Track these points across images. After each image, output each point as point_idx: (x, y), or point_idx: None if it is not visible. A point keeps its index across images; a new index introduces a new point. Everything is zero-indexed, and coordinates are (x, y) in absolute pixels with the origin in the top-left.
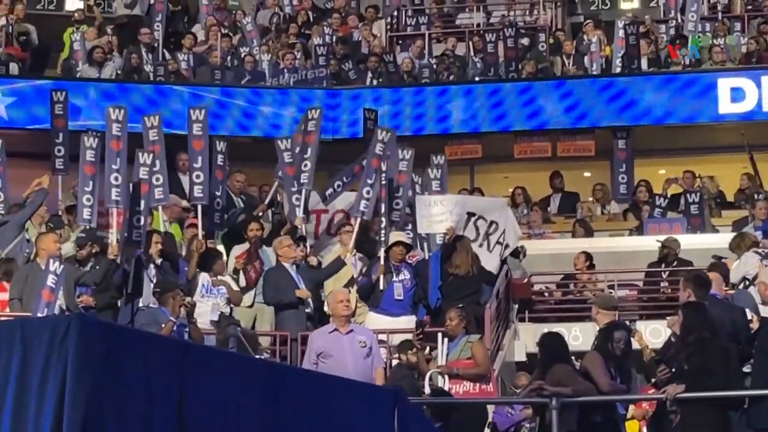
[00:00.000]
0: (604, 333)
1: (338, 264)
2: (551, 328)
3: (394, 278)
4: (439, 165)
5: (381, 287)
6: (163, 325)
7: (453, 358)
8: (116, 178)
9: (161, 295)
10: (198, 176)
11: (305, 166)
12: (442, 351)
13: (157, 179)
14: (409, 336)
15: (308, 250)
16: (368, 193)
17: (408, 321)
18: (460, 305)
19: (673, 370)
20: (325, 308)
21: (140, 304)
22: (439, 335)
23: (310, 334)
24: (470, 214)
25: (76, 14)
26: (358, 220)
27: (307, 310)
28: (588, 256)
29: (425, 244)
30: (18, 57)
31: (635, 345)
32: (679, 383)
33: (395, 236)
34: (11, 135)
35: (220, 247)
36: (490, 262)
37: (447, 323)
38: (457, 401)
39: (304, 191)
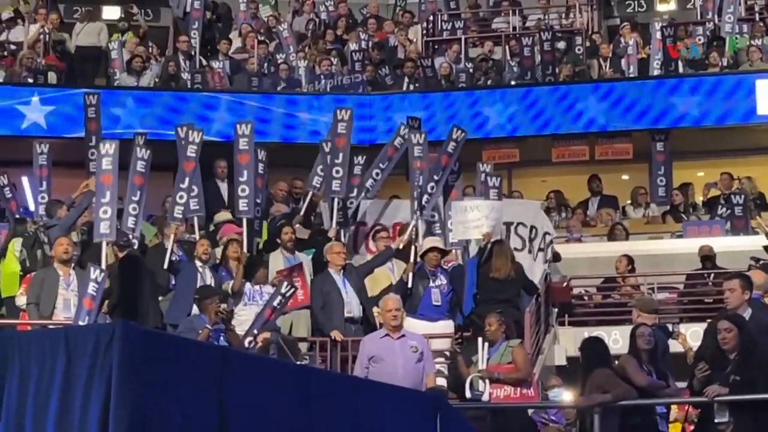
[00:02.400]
0: (631, 335)
1: (389, 252)
2: (591, 332)
3: (431, 284)
4: (488, 172)
5: (410, 285)
6: (200, 332)
7: (494, 362)
8: (181, 197)
9: (200, 302)
10: (243, 190)
11: (337, 172)
12: (482, 356)
13: (192, 190)
14: (447, 341)
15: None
16: (432, 188)
17: (446, 326)
18: (499, 310)
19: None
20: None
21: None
22: (479, 340)
23: (362, 339)
24: (507, 224)
25: (120, 24)
26: (413, 224)
27: (350, 314)
28: (630, 260)
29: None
30: (56, 66)
31: (679, 348)
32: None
33: (430, 241)
34: (50, 143)
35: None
36: (534, 270)
37: (486, 328)
38: (499, 405)
39: (336, 199)
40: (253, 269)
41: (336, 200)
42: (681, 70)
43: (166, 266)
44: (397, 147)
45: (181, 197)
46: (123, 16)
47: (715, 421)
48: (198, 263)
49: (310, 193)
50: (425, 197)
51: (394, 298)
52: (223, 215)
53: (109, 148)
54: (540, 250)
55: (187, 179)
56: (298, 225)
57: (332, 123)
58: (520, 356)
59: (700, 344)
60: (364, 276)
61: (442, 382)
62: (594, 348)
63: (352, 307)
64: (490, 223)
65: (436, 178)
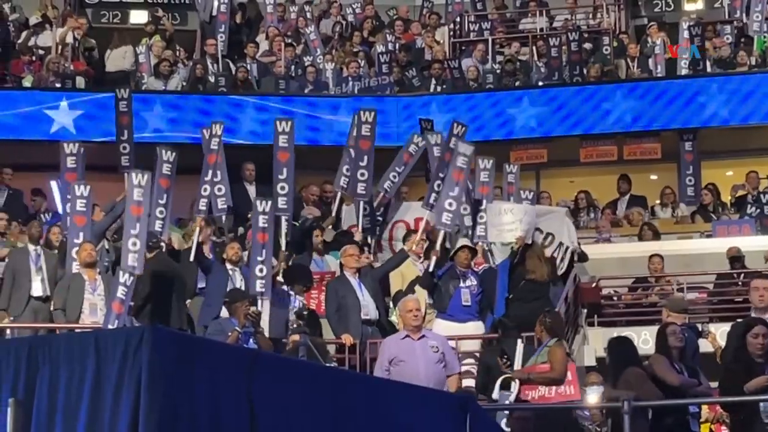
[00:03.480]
0: (659, 334)
1: (402, 255)
2: (620, 332)
3: (461, 284)
4: (512, 172)
5: (431, 270)
6: (230, 334)
7: (531, 363)
8: (205, 189)
9: (230, 305)
10: (283, 188)
11: (362, 175)
12: (519, 357)
13: (219, 189)
14: (476, 342)
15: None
16: (450, 205)
17: (475, 327)
18: (547, 309)
19: None
20: (393, 317)
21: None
22: (518, 341)
23: (381, 342)
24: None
25: (147, 27)
26: (422, 225)
27: (367, 317)
28: (662, 259)
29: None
30: (84, 71)
31: (709, 347)
32: None
33: (460, 241)
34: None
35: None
36: None
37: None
38: (521, 407)
39: (362, 203)
40: (295, 276)
41: (362, 204)
42: (709, 69)
43: (192, 258)
44: (412, 153)
45: (205, 190)
46: (150, 20)
47: (766, 421)
48: (229, 266)
49: (339, 194)
50: (433, 195)
51: (413, 299)
52: None
53: (141, 179)
54: (552, 257)
55: (210, 172)
56: (328, 227)
57: (353, 125)
58: (556, 356)
59: (726, 346)
60: (378, 279)
61: (470, 383)
62: (621, 347)
63: (369, 309)
64: (523, 227)
65: (441, 175)
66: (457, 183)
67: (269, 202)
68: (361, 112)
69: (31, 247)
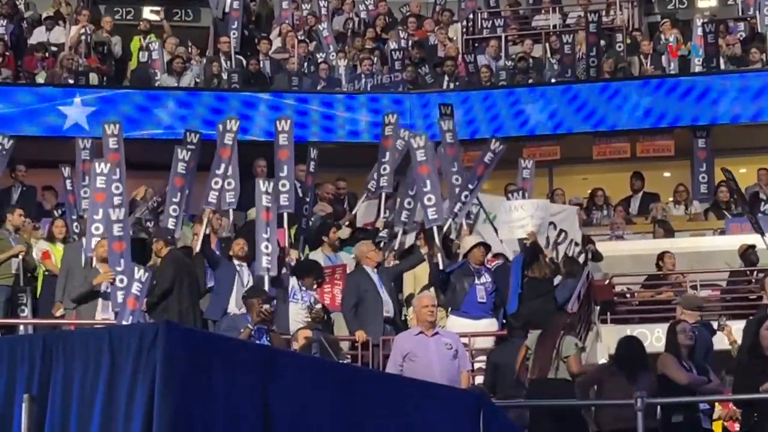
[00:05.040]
0: (669, 331)
1: (418, 257)
2: (634, 330)
3: (476, 281)
4: (527, 168)
5: (441, 267)
6: (242, 331)
7: None
8: (216, 182)
9: (245, 301)
10: (284, 185)
11: (384, 169)
12: None
13: (229, 183)
14: (491, 339)
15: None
16: (466, 197)
17: (489, 324)
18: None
19: None
20: (409, 314)
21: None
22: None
23: (394, 338)
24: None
25: (141, 24)
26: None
27: (388, 314)
28: (673, 256)
29: None
30: (98, 68)
31: (725, 341)
32: None
33: (474, 239)
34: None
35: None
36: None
37: None
38: (540, 404)
39: (383, 194)
40: (304, 270)
41: (383, 195)
42: (722, 66)
43: (198, 250)
44: (398, 149)
45: (216, 183)
46: (144, 18)
47: None
48: (236, 261)
49: (365, 194)
50: (458, 205)
51: (428, 295)
52: None
53: (185, 154)
54: (565, 255)
55: (222, 165)
56: (345, 226)
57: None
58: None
59: (741, 344)
60: (393, 278)
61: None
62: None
63: (389, 306)
64: (535, 222)
65: (470, 187)
66: (427, 177)
67: (271, 183)
68: (384, 116)
69: (84, 241)
